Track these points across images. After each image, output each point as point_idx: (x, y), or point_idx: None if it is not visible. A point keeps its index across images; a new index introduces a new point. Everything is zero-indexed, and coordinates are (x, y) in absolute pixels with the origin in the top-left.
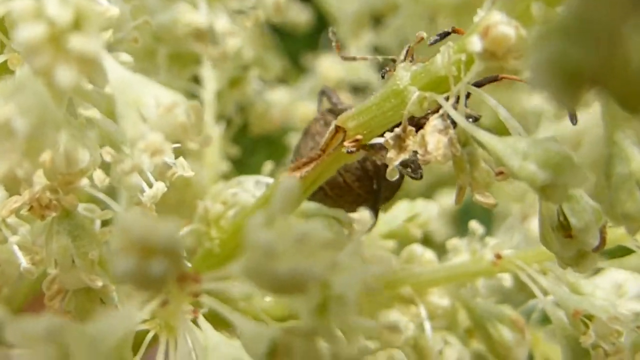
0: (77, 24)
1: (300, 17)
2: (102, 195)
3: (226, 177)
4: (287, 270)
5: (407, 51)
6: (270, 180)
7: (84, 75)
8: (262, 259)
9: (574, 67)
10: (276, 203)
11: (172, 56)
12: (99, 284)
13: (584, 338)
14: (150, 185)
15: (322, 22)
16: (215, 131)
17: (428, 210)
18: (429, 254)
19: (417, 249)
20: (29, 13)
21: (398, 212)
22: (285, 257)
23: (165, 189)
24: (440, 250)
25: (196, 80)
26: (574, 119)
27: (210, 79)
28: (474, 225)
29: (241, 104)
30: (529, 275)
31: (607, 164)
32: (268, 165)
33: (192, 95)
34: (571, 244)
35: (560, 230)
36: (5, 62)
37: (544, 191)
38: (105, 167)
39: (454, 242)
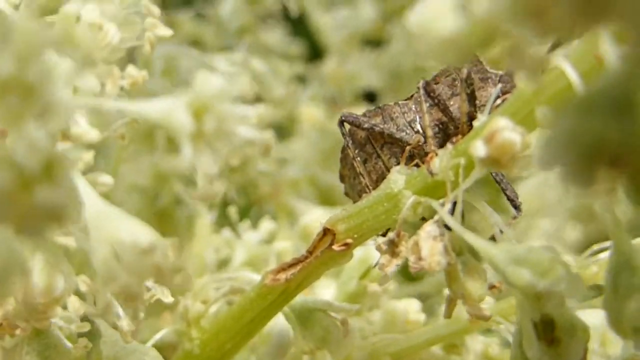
0: (48, 171)
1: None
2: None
3: (219, 265)
4: None
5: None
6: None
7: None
8: None
9: (593, 140)
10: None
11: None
12: None
13: None
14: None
15: (316, 53)
16: (206, 219)
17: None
18: (413, 310)
19: (400, 307)
20: None
21: (349, 270)
22: None
23: (143, 316)
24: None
25: None
26: None
27: None
28: None
29: (242, 183)
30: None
31: (614, 274)
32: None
33: (187, 180)
34: (552, 352)
35: (542, 332)
36: None
37: (539, 300)
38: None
39: None
